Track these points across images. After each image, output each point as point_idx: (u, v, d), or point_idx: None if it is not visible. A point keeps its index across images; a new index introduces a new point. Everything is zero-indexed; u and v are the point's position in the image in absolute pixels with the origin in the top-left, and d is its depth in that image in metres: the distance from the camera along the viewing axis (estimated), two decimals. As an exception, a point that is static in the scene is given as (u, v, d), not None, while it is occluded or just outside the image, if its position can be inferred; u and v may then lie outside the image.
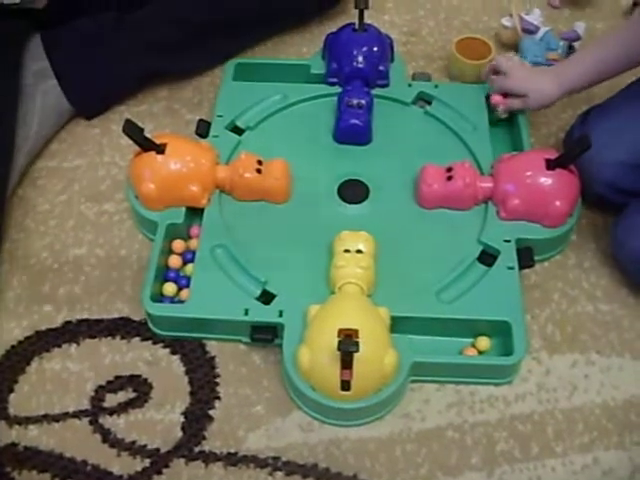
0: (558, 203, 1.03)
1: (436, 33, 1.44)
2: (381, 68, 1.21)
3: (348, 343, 0.81)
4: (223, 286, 0.99)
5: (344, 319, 0.87)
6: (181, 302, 1.00)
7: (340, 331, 0.84)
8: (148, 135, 1.06)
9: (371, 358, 0.86)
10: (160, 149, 1.04)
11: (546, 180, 1.03)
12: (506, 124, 1.21)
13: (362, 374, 0.86)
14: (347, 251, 0.97)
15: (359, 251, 0.97)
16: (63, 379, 0.98)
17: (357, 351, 0.81)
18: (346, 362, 0.84)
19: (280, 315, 0.95)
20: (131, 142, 1.05)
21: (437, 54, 1.39)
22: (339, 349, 0.81)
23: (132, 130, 1.03)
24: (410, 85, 1.24)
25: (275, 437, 0.93)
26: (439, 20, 1.46)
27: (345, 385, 0.87)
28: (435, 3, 1.50)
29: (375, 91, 1.21)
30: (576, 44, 1.35)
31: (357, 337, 0.83)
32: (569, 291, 1.07)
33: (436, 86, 1.23)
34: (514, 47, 1.37)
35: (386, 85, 1.23)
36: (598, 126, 1.08)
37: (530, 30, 1.33)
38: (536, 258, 1.06)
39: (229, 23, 1.30)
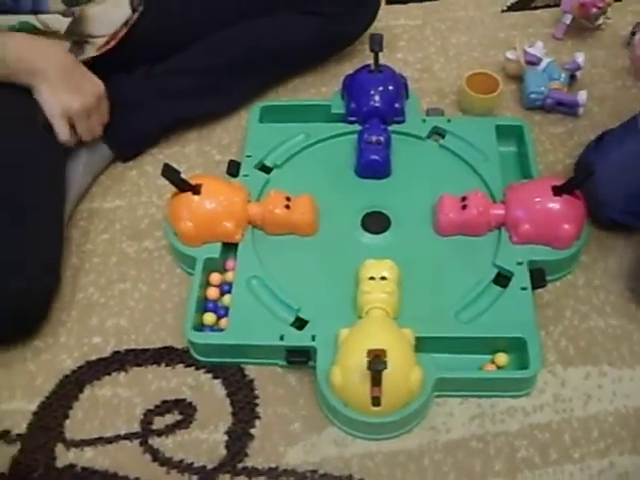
0: (566, 226, 1.10)
1: (447, 69, 1.51)
2: (397, 105, 1.29)
3: (377, 362, 0.89)
4: (259, 314, 1.07)
5: (372, 340, 0.95)
6: (220, 330, 1.08)
7: (369, 352, 0.92)
8: (184, 177, 1.15)
9: (398, 375, 0.94)
10: (196, 190, 1.13)
11: (554, 205, 1.10)
12: (516, 153, 1.29)
13: (391, 390, 0.94)
14: (372, 278, 1.04)
15: (383, 278, 1.04)
16: (114, 404, 1.05)
17: (385, 369, 0.89)
18: (376, 380, 0.92)
19: (313, 339, 1.03)
20: (167, 182, 1.14)
21: (449, 89, 1.46)
22: (369, 368, 0.89)
23: (170, 173, 1.12)
24: (424, 120, 1.31)
25: (312, 452, 1.00)
26: (449, 56, 1.54)
27: (375, 401, 0.94)
28: (445, 41, 1.58)
29: (392, 127, 1.28)
30: (578, 73, 1.43)
31: (385, 356, 0.91)
32: (580, 308, 1.14)
33: (449, 120, 1.31)
34: (519, 78, 1.44)
35: (402, 121, 1.30)
36: (611, 154, 1.14)
37: (533, 62, 1.41)
38: (548, 278, 1.13)
39: (248, 65, 1.39)
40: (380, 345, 0.93)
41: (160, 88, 1.35)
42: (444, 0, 1.69)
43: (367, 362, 0.90)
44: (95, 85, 1.24)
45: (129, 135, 1.34)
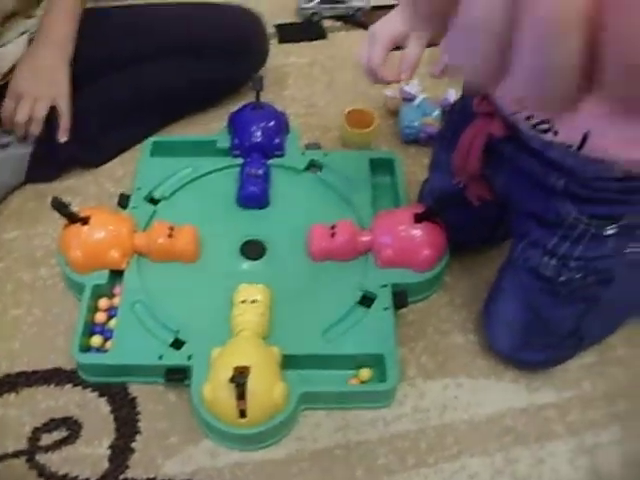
0: (426, 251, 1.20)
1: (332, 105, 1.61)
2: (277, 140, 1.39)
3: (238, 377, 0.98)
4: (141, 336, 1.14)
5: (238, 358, 1.03)
6: (106, 352, 1.16)
7: (235, 368, 1.01)
8: (75, 209, 1.23)
9: (262, 390, 1.02)
10: (85, 221, 1.21)
11: (414, 232, 1.20)
12: (389, 184, 1.39)
13: (255, 404, 1.02)
14: (244, 301, 1.13)
15: (254, 301, 1.13)
16: (3, 424, 1.11)
17: (245, 383, 0.98)
18: (239, 393, 1.01)
19: (189, 359, 1.11)
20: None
21: (332, 124, 1.56)
22: (231, 382, 0.98)
23: (59, 206, 1.19)
24: (303, 154, 1.41)
25: (188, 463, 1.07)
26: (335, 93, 1.65)
27: (242, 414, 1.03)
28: (331, 78, 1.68)
29: (272, 161, 1.38)
30: (450, 109, 1.54)
31: (249, 372, 1.00)
32: (441, 325, 1.24)
33: (326, 154, 1.41)
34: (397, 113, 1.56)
35: (282, 155, 1.40)
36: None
37: (409, 98, 1.53)
38: (413, 299, 1.23)
39: (154, 104, 1.49)
40: (245, 362, 1.02)
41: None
42: (333, 39, 1.81)
43: (230, 377, 0.99)
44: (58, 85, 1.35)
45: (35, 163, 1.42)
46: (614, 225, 1.00)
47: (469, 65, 0.29)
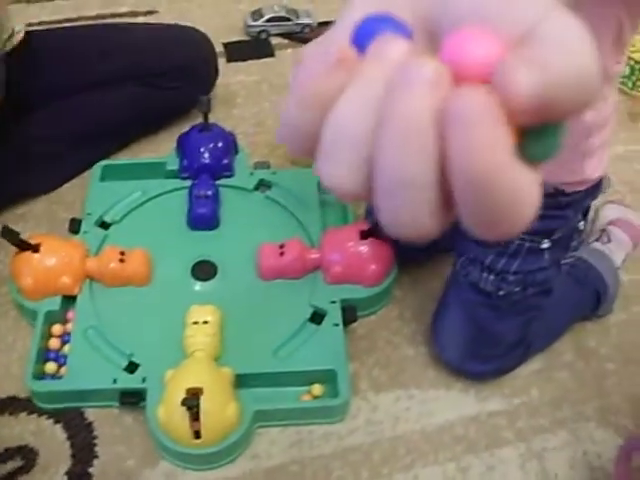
0: (373, 266, 1.23)
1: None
2: (225, 161, 1.40)
3: (190, 399, 1.00)
4: (94, 361, 1.15)
5: (191, 380, 1.05)
6: (60, 378, 1.17)
7: (187, 390, 1.03)
8: (26, 235, 1.24)
9: (215, 410, 1.04)
10: (35, 248, 1.22)
11: (361, 248, 1.23)
12: (337, 201, 1.42)
13: (209, 424, 1.04)
14: (195, 323, 1.15)
15: (206, 322, 1.15)
16: (-43, 456, 1.12)
17: (197, 405, 1.00)
18: (193, 414, 1.02)
19: (143, 381, 1.12)
20: (11, 243, 1.22)
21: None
22: (182, 404, 1.00)
23: (9, 234, 1.20)
24: (252, 174, 1.43)
25: (145, 485, 1.10)
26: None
27: (196, 435, 1.05)
28: (279, 96, 1.69)
29: (221, 181, 1.39)
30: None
31: (201, 394, 1.02)
32: (392, 338, 1.27)
33: (274, 173, 1.43)
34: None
35: (231, 175, 1.41)
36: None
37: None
38: (363, 313, 1.26)
39: (103, 131, 1.50)
40: (197, 384, 1.04)
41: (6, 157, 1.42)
42: (281, 57, 1.83)
43: (182, 399, 1.00)
44: None
45: None
46: (547, 240, 1.03)
47: (338, 176, 0.30)
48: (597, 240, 1.35)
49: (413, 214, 0.28)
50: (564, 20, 0.27)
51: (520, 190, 0.27)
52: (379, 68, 0.29)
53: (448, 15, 0.30)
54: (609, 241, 1.34)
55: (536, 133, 0.28)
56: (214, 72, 1.61)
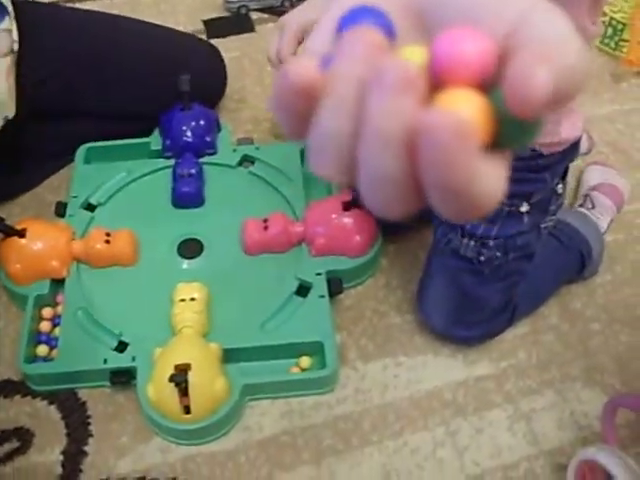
0: (357, 237, 1.24)
1: (262, 97, 1.64)
2: (208, 139, 1.41)
3: (177, 375, 1.02)
4: (85, 342, 1.17)
5: (179, 356, 1.07)
6: (52, 360, 1.18)
7: (176, 366, 1.04)
8: (13, 220, 1.25)
9: (203, 385, 1.06)
10: (21, 233, 1.23)
11: (344, 219, 1.24)
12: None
13: (198, 399, 1.06)
14: (183, 300, 1.16)
15: (193, 299, 1.16)
16: (-46, 440, 1.14)
17: (185, 381, 1.02)
18: (181, 390, 1.04)
19: (133, 360, 1.14)
20: (0, 228, 1.23)
21: (263, 117, 1.58)
22: (170, 381, 1.02)
23: (-7, 221, 1.22)
24: (235, 150, 1.43)
25: (139, 461, 1.10)
26: (265, 85, 1.67)
27: (186, 410, 1.07)
28: (260, 70, 1.70)
29: (205, 159, 1.40)
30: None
31: (190, 370, 1.04)
32: (379, 307, 1.28)
33: (257, 148, 1.44)
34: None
35: (214, 153, 1.42)
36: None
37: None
38: (349, 284, 1.27)
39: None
40: (186, 360, 1.05)
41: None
42: (261, 32, 1.83)
43: (169, 376, 1.02)
44: None
45: None
46: (526, 203, 1.04)
47: (325, 170, 0.31)
48: (581, 206, 1.36)
49: (390, 202, 0.30)
50: (551, 14, 0.28)
51: (488, 181, 0.29)
52: (351, 65, 0.30)
53: (438, 9, 0.32)
54: (593, 207, 1.34)
55: (520, 123, 0.29)
56: (222, 87, 1.60)
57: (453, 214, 0.29)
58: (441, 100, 0.28)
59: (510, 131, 0.29)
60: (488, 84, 0.29)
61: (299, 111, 0.31)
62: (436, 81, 0.29)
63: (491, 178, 0.29)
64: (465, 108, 0.28)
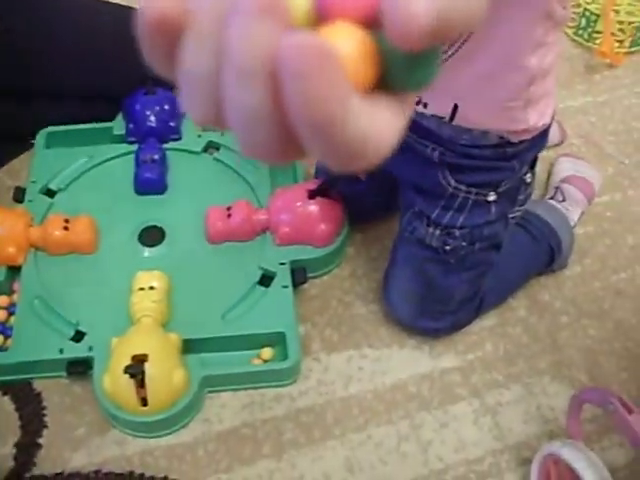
0: (322, 226, 1.22)
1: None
2: (172, 124, 1.37)
3: (133, 366, 0.99)
4: (40, 331, 1.13)
5: (136, 347, 1.04)
6: (7, 350, 1.15)
7: (133, 357, 1.01)
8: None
9: (161, 377, 1.03)
10: (-24, 219, 1.19)
11: (309, 208, 1.21)
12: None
13: (155, 391, 1.03)
14: (142, 289, 1.13)
15: (152, 288, 1.13)
16: None
17: (142, 371, 0.99)
18: (137, 381, 1.01)
19: (90, 350, 1.11)
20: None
21: (230, 103, 1.56)
22: (125, 372, 0.99)
23: (-51, 206, 1.18)
24: (200, 136, 1.40)
25: (95, 454, 1.08)
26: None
27: (143, 402, 1.04)
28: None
29: (169, 145, 1.37)
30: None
31: (147, 360, 1.01)
32: (344, 297, 1.25)
33: (222, 134, 1.40)
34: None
35: (179, 138, 1.39)
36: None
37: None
38: (315, 273, 1.24)
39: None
40: (143, 350, 1.02)
41: None
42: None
43: (125, 367, 0.99)
44: None
45: None
46: (493, 192, 1.02)
47: (195, 113, 0.29)
48: (552, 198, 1.34)
49: (263, 145, 0.28)
50: None
51: (371, 125, 0.26)
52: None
53: None
54: (564, 199, 1.32)
55: (408, 58, 0.26)
56: None
57: (332, 161, 0.27)
58: (320, 33, 0.26)
59: (399, 69, 0.27)
60: (377, 23, 0.26)
61: (163, 49, 0.29)
62: (322, 17, 0.27)
63: (376, 121, 0.26)
64: (341, 39, 0.26)
